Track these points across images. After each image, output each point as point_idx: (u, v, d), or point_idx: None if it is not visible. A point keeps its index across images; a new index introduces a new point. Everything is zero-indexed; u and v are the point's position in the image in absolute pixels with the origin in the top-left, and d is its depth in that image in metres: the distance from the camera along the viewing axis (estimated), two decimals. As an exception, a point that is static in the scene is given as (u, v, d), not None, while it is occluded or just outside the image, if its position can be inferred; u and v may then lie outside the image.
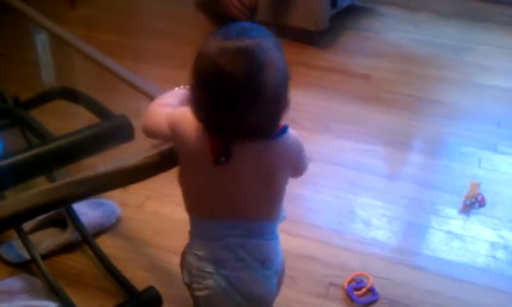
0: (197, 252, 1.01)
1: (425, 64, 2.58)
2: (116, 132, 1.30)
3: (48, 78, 2.38)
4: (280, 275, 1.07)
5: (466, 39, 2.82)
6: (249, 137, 0.93)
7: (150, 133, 1.03)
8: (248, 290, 1.01)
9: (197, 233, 1.03)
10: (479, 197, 1.70)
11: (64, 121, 1.57)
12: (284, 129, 0.97)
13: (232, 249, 0.99)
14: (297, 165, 1.03)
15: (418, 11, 3.11)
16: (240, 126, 0.90)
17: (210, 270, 1.00)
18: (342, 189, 1.76)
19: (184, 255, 1.08)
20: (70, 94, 1.57)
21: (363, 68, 2.49)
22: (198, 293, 1.02)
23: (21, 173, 1.18)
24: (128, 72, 1.38)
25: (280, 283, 1.08)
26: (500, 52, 2.71)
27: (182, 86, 1.07)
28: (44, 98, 1.64)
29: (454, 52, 2.69)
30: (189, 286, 1.06)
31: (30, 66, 2.40)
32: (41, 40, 2.55)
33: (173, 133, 0.98)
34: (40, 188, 0.96)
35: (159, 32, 2.74)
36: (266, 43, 0.89)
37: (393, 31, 2.89)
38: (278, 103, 0.91)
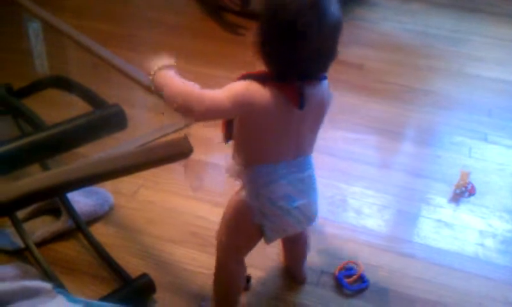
0: (269, 195, 1.14)
1: (418, 54, 2.59)
2: (109, 120, 1.30)
3: (42, 67, 2.38)
4: None
5: (458, 30, 2.84)
6: (315, 77, 1.10)
7: (209, 117, 1.10)
8: (310, 212, 1.21)
9: (264, 180, 1.14)
10: (469, 187, 1.72)
11: (58, 110, 1.57)
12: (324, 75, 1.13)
13: (294, 183, 1.16)
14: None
15: (411, 1, 3.12)
16: (316, 64, 1.06)
17: (284, 206, 1.15)
18: (334, 178, 1.77)
19: (241, 203, 1.16)
20: (63, 83, 1.57)
21: (356, 57, 2.50)
22: (270, 229, 1.16)
23: (14, 161, 1.18)
24: (122, 61, 1.39)
25: None
26: (492, 43, 2.73)
27: (156, 68, 1.10)
28: (37, 86, 1.64)
29: (447, 43, 2.71)
30: (254, 225, 1.17)
31: (23, 55, 2.40)
32: (34, 29, 2.54)
33: (240, 106, 1.07)
34: (35, 176, 0.97)
35: (152, 21, 2.75)
36: None
37: (387, 21, 2.90)
38: (337, 43, 1.08)
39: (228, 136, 1.17)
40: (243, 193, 1.16)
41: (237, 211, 1.19)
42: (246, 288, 1.38)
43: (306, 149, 1.18)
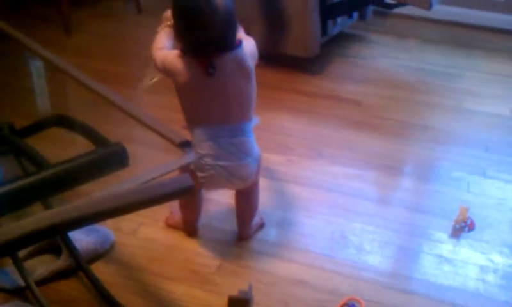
0: (199, 151, 1.42)
1: (414, 90, 2.62)
2: (112, 159, 1.31)
3: (44, 105, 2.40)
4: (258, 162, 1.52)
5: (454, 66, 2.88)
6: (221, 50, 1.38)
7: (157, 70, 1.49)
8: (237, 173, 1.46)
9: (197, 139, 1.43)
10: (469, 222, 1.73)
11: (60, 149, 1.58)
12: (241, 41, 1.43)
13: (223, 146, 1.42)
14: (256, 56, 1.48)
15: (406, 38, 3.17)
16: (215, 41, 1.37)
17: (210, 162, 1.42)
18: (334, 214, 1.78)
19: None
20: (65, 122, 1.59)
21: (353, 94, 2.53)
22: (201, 178, 1.45)
23: (17, 200, 1.19)
24: (123, 99, 1.41)
25: (258, 168, 1.54)
26: (487, 78, 2.77)
27: (162, 26, 1.51)
28: (40, 126, 1.66)
29: (443, 78, 2.74)
30: (192, 172, 1.45)
31: (25, 93, 2.42)
32: (36, 68, 2.58)
33: (167, 72, 1.44)
34: (37, 215, 0.97)
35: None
36: None
37: (383, 58, 2.94)
38: (233, 21, 1.40)
39: None
40: None
41: None
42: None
43: (238, 115, 1.44)
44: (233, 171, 1.45)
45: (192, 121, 1.45)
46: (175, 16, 1.41)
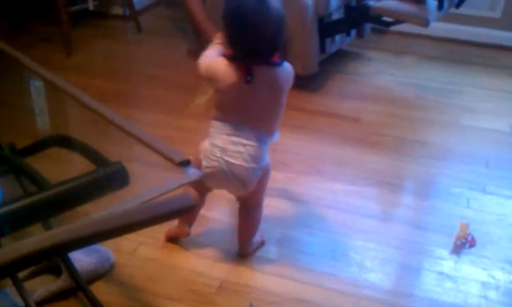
0: (212, 141, 1.51)
1: (412, 106, 2.64)
2: (112, 178, 1.31)
3: (44, 125, 2.41)
4: (265, 172, 1.57)
5: (451, 82, 2.90)
6: (263, 60, 1.45)
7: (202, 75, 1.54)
8: (238, 173, 1.50)
9: (214, 130, 1.51)
10: (469, 238, 1.72)
11: (61, 168, 1.59)
12: (282, 60, 1.49)
13: (235, 143, 1.48)
14: (291, 81, 1.53)
15: (403, 55, 3.19)
16: (263, 45, 1.43)
17: (217, 154, 1.49)
18: (335, 232, 1.77)
19: (200, 146, 1.54)
20: (66, 142, 1.59)
21: (351, 110, 2.54)
22: (204, 168, 1.50)
23: (17, 221, 1.18)
24: (122, 119, 1.41)
25: (265, 178, 1.59)
26: (484, 94, 2.78)
27: (213, 43, 1.59)
28: (40, 146, 1.66)
29: (441, 95, 2.76)
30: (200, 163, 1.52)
31: (25, 113, 2.43)
32: (36, 88, 2.59)
33: (209, 77, 1.50)
34: (37, 236, 0.97)
35: (153, 79, 2.79)
36: None
37: (380, 74, 2.96)
38: (282, 26, 1.45)
39: None
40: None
41: (198, 149, 1.55)
42: None
43: (260, 125, 1.50)
44: (236, 170, 1.48)
45: (218, 115, 1.51)
46: (228, 20, 1.45)
